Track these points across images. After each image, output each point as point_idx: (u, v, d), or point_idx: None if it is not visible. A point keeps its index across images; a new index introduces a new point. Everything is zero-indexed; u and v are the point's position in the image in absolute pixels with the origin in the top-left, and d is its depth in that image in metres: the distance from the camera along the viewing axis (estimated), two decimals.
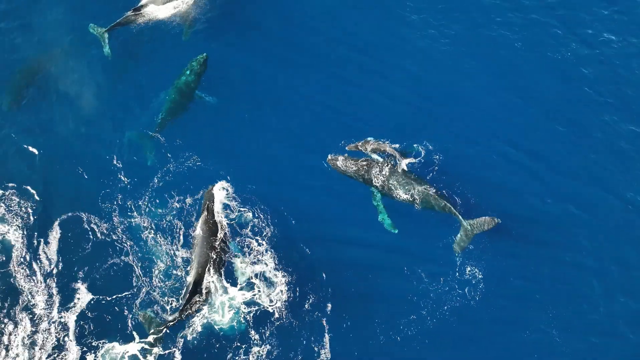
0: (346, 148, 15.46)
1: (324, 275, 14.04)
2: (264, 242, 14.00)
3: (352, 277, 14.27)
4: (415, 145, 15.54)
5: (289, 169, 15.74)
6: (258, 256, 13.79)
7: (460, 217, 14.04)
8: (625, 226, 15.28)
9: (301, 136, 16.26)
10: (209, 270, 13.11)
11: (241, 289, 13.29)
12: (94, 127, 16.07)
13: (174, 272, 13.56)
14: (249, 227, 14.20)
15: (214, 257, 13.30)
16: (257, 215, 14.37)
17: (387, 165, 14.95)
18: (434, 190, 14.54)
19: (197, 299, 12.87)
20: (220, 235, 13.61)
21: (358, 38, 18.15)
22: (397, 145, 15.41)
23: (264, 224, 14.28)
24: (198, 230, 13.64)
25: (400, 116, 16.62)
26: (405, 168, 15.01)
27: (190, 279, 13.05)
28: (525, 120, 16.91)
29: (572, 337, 13.83)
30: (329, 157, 15.33)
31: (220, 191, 14.44)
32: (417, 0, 18.87)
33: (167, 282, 13.42)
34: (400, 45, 18.02)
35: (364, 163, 15.07)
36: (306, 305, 13.54)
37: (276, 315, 13.22)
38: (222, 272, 13.37)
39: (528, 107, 17.13)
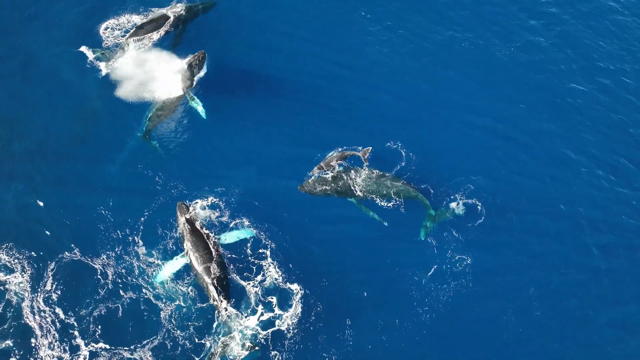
0: (309, 174, 15.53)
1: (325, 280, 14.30)
2: (268, 258, 14.12)
3: (355, 280, 14.58)
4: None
5: (273, 185, 15.84)
6: (266, 276, 13.91)
7: (428, 205, 15.18)
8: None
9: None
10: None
11: (254, 313, 13.40)
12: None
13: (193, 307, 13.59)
14: (249, 246, 14.27)
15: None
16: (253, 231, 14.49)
17: (356, 172, 15.30)
18: (403, 182, 15.34)
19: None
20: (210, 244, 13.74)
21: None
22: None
23: (263, 239, 14.40)
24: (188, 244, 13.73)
25: (374, 118, 17.30)
26: (367, 162, 15.48)
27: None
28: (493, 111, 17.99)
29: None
30: (300, 187, 15.32)
31: (203, 210, 14.45)
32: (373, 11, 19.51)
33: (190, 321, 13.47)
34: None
35: (335, 178, 15.27)
36: (316, 315, 13.79)
37: (290, 332, 13.39)
38: (229, 298, 13.43)
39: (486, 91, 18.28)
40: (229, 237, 14.19)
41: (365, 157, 15.63)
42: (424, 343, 13.87)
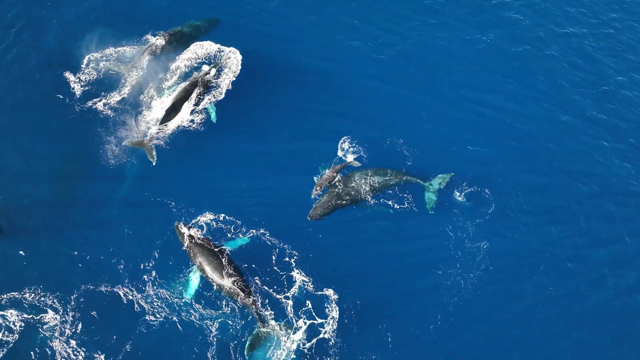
0: (312, 197, 15.46)
1: (352, 282, 14.32)
2: (295, 269, 14.02)
3: (381, 279, 14.70)
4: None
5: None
6: (297, 286, 13.81)
7: (419, 180, 15.75)
8: None
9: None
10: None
11: (295, 329, 13.25)
12: None
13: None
14: (274, 259, 14.15)
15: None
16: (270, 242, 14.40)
17: (355, 177, 15.45)
18: (391, 170, 15.70)
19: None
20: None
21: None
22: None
23: (287, 250, 14.31)
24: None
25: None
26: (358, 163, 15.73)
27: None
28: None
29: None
30: (309, 216, 15.11)
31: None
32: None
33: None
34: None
35: (340, 189, 15.30)
36: (353, 317, 13.82)
37: (333, 338, 13.38)
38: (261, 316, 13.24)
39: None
40: (230, 246, 14.07)
41: (354, 163, 15.78)
42: (456, 332, 14.15)
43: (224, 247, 13.85)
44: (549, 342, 14.41)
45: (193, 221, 14.33)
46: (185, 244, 13.79)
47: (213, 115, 16.12)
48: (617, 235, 16.34)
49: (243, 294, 13.14)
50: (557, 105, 18.65)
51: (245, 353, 12.84)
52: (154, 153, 15.27)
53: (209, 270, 13.47)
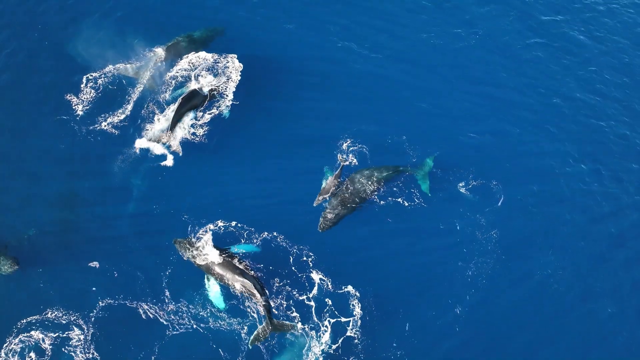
0: (314, 205, 15.54)
1: (371, 279, 14.49)
2: (314, 271, 14.17)
3: (399, 276, 14.91)
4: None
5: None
6: (318, 287, 13.93)
7: (408, 168, 16.15)
8: None
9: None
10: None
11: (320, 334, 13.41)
12: None
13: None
14: (292, 262, 14.27)
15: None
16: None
17: (354, 181, 15.57)
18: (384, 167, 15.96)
19: None
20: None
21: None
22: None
23: (305, 251, 14.45)
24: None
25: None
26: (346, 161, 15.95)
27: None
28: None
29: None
30: (320, 229, 15.13)
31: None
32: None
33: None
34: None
35: (347, 195, 15.38)
36: (375, 313, 13.98)
37: (358, 335, 13.55)
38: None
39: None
40: (237, 250, 14.24)
41: (346, 163, 15.93)
42: (474, 321, 14.38)
43: (231, 251, 14.00)
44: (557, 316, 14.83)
45: (201, 231, 14.38)
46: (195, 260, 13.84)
47: (226, 112, 16.40)
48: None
49: (257, 292, 13.30)
50: (551, 90, 19.08)
51: (249, 342, 13.00)
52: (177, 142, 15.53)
53: (222, 273, 13.57)
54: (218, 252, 13.78)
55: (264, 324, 13.04)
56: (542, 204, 16.44)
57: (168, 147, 15.71)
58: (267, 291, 13.50)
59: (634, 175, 17.45)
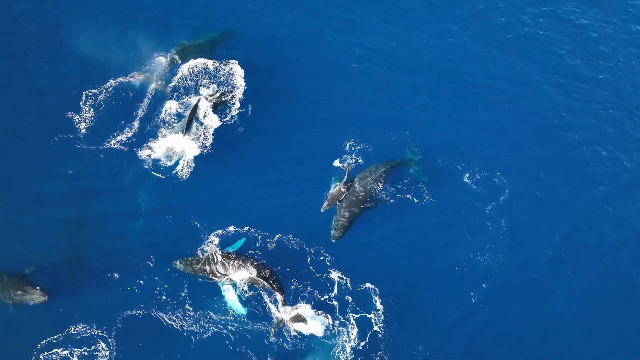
0: (322, 211, 15.51)
1: (387, 276, 14.63)
2: (333, 272, 14.27)
3: (414, 273, 15.07)
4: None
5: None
6: (339, 286, 14.04)
7: (399, 161, 16.42)
8: None
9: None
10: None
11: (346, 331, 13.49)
12: None
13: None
14: (309, 264, 14.36)
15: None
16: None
17: (364, 179, 15.74)
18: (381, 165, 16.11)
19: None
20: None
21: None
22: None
23: (322, 253, 14.54)
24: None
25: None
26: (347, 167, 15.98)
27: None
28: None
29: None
30: (333, 239, 15.06)
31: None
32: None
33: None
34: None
35: (349, 203, 15.46)
36: (395, 308, 14.12)
37: (382, 330, 13.68)
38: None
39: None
40: (232, 249, 14.34)
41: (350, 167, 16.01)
42: (490, 312, 14.62)
43: (228, 252, 14.11)
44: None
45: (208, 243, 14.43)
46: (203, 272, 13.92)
47: (237, 118, 16.57)
48: None
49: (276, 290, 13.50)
50: (550, 74, 19.63)
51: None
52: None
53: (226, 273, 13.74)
54: (222, 257, 13.92)
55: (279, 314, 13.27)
56: (547, 190, 16.75)
57: (179, 158, 15.75)
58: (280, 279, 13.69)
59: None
